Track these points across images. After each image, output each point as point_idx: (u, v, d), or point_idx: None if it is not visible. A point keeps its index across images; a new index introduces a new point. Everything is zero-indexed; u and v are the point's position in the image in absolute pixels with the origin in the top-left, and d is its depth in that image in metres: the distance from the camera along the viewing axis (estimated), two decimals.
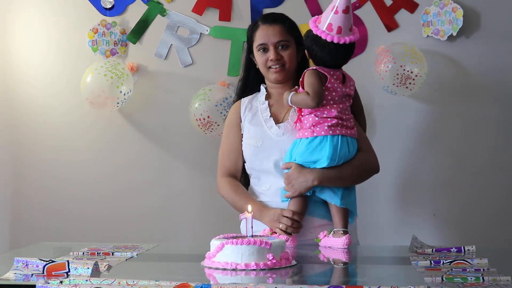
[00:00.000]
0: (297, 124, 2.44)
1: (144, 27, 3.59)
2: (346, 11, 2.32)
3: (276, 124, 2.53)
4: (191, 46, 3.56)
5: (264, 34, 2.53)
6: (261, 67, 2.55)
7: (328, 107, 2.37)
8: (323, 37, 2.35)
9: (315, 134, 2.36)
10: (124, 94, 3.42)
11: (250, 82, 2.65)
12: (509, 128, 3.47)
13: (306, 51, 2.46)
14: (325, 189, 2.40)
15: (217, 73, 3.53)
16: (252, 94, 2.65)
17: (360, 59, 3.45)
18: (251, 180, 2.59)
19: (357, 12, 3.47)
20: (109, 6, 3.58)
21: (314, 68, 2.41)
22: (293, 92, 2.40)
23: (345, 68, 2.48)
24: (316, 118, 2.37)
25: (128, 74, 3.45)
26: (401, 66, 3.29)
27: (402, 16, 3.49)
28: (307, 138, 2.37)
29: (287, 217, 2.37)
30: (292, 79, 2.56)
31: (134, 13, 3.58)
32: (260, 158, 2.52)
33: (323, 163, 2.36)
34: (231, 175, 2.59)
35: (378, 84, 3.40)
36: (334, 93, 2.38)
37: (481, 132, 3.47)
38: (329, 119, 2.36)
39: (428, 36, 3.46)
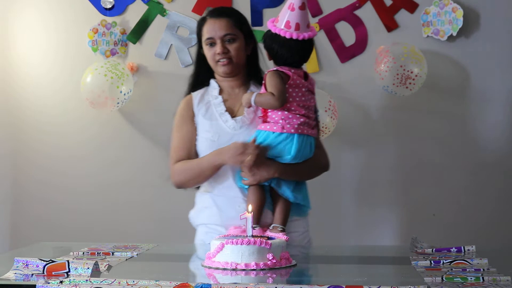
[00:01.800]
0: (262, 116, 2.43)
1: (144, 27, 3.59)
2: (302, 7, 2.36)
3: (232, 118, 2.53)
4: (191, 46, 3.55)
5: (211, 28, 2.53)
6: (210, 61, 2.55)
7: (295, 104, 2.39)
8: (282, 34, 2.37)
9: (285, 131, 2.37)
10: (124, 94, 3.42)
11: (201, 77, 2.63)
12: (509, 128, 3.47)
13: (266, 52, 2.47)
14: (281, 182, 2.41)
15: None
16: (202, 88, 2.63)
17: (360, 59, 3.44)
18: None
19: (357, 12, 3.47)
20: (109, 6, 3.58)
21: (275, 69, 2.42)
22: (256, 93, 2.42)
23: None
24: (286, 112, 2.38)
25: (128, 74, 3.45)
26: (401, 66, 3.29)
27: (402, 16, 3.49)
28: (274, 132, 2.38)
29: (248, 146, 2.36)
30: (242, 73, 2.57)
31: (134, 13, 3.58)
32: None
33: (286, 159, 2.39)
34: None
35: (378, 84, 3.40)
36: (297, 89, 2.40)
37: (481, 132, 3.47)
38: (298, 115, 2.38)
39: (428, 36, 3.46)
